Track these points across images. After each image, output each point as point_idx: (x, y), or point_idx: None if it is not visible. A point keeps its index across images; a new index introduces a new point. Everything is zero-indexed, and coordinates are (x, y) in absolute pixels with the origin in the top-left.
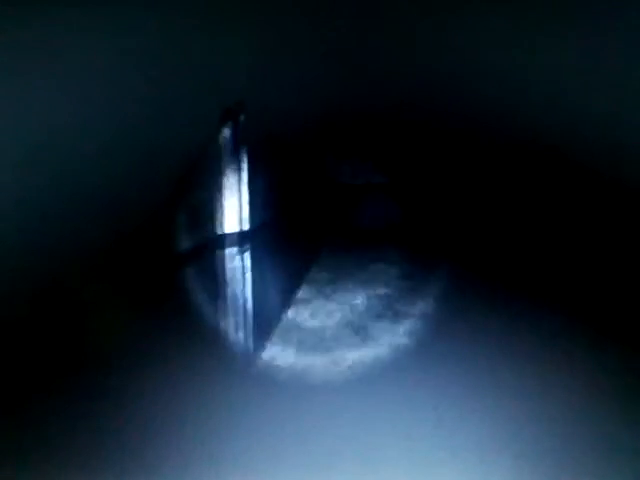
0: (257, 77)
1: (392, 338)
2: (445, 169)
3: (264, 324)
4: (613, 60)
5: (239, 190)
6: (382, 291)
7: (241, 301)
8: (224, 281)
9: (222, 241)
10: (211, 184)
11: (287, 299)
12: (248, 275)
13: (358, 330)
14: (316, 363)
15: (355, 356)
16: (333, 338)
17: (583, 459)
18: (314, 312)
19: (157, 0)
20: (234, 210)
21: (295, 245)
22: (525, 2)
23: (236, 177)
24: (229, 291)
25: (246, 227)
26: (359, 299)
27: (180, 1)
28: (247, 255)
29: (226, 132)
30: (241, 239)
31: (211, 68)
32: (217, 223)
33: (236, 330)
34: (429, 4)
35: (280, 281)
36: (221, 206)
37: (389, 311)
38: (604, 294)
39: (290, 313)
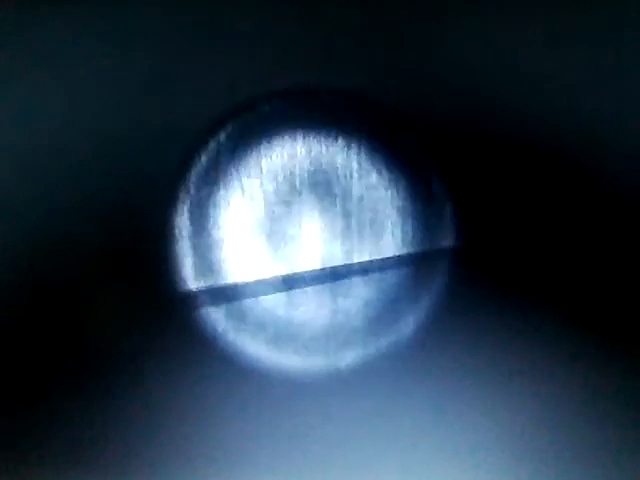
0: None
1: (392, 337)
2: (446, 169)
3: (263, 324)
4: (619, 60)
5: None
6: (382, 290)
7: (239, 300)
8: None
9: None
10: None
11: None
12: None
13: (357, 329)
14: (315, 363)
15: (354, 355)
16: (332, 338)
17: (583, 459)
18: (313, 311)
19: (159, 1)
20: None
21: None
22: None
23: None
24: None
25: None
26: (359, 297)
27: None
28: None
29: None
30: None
31: (215, 67)
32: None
33: (237, 328)
34: (439, 6)
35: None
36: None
37: (389, 310)
38: (606, 295)
39: (288, 313)
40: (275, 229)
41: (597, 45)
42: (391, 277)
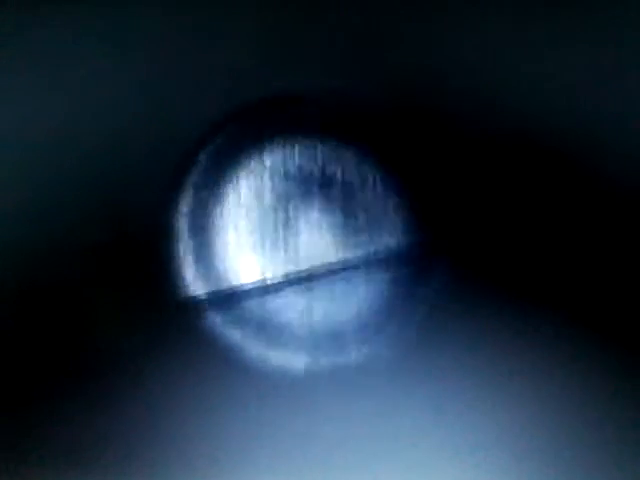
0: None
1: (391, 337)
2: (445, 169)
3: (263, 324)
4: (619, 60)
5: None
6: (382, 289)
7: (240, 300)
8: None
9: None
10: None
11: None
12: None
13: (357, 329)
14: (315, 363)
15: (354, 355)
16: (332, 338)
17: (583, 459)
18: (312, 312)
19: (161, 1)
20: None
21: None
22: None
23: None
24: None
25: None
26: (358, 296)
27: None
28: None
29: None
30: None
31: (216, 68)
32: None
33: (237, 329)
34: (439, 5)
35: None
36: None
37: (388, 310)
38: (606, 295)
39: (288, 313)
40: (275, 231)
41: (597, 45)
42: (389, 276)
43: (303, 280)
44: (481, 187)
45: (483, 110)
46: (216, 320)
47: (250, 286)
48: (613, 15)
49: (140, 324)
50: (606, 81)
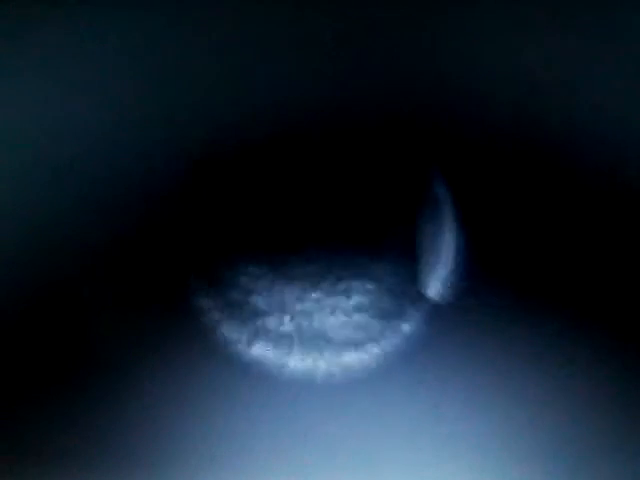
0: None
1: (392, 336)
2: (445, 170)
3: (263, 324)
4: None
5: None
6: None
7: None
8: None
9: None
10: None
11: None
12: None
13: (358, 329)
14: (315, 363)
15: (355, 355)
16: (332, 338)
17: (583, 459)
18: (313, 312)
19: (160, 1)
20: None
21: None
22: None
23: None
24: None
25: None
26: (359, 297)
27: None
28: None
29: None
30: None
31: (212, 69)
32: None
33: (237, 330)
34: (437, 6)
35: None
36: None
37: (390, 310)
38: (608, 295)
39: (288, 313)
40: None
41: (598, 45)
42: (392, 278)
43: (306, 282)
44: (484, 189)
45: (482, 113)
46: (217, 321)
47: (251, 287)
48: (614, 15)
49: (141, 324)
50: (606, 81)
